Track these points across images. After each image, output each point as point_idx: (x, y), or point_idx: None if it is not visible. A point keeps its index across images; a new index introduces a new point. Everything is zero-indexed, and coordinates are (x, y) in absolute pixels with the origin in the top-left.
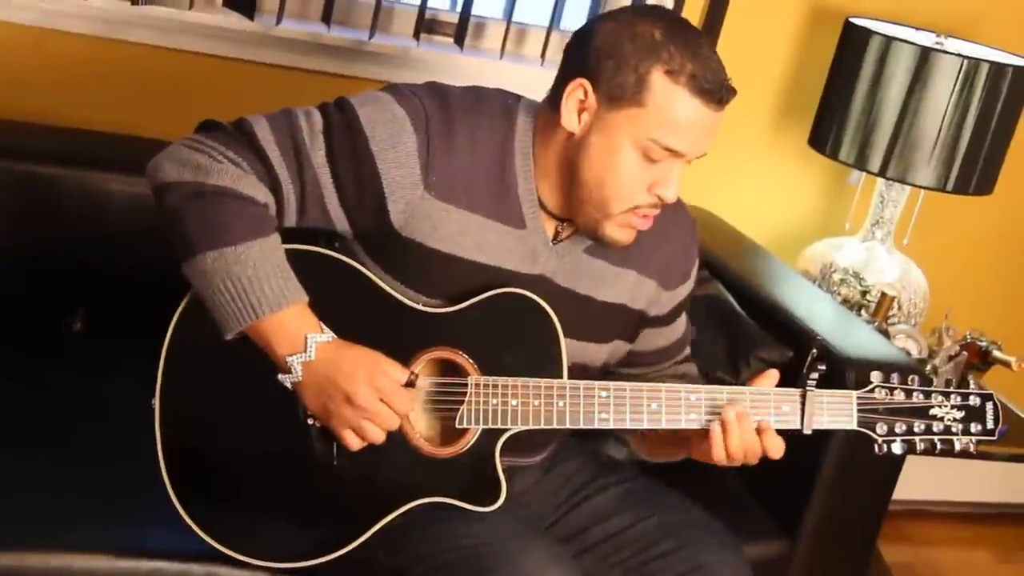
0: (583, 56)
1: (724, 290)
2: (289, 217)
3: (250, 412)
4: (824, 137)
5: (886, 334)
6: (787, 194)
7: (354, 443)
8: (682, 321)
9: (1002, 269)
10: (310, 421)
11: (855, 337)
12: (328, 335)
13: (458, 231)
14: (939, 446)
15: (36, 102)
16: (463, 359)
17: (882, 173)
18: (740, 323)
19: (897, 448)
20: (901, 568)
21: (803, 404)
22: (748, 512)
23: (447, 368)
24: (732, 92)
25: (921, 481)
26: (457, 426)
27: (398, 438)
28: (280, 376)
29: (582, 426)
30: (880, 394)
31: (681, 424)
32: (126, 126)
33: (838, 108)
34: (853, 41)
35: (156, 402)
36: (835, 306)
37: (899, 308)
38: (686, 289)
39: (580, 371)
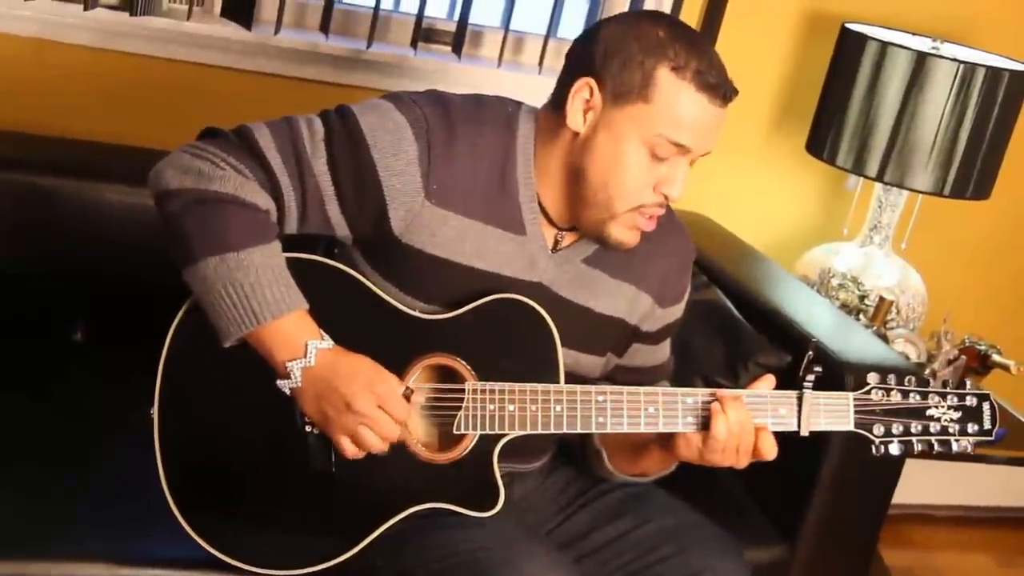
0: (588, 56)
1: (722, 295)
2: (290, 224)
3: (248, 420)
4: (821, 142)
5: (885, 339)
6: (785, 199)
7: (352, 450)
8: (666, 347)
9: (1000, 273)
10: (308, 428)
11: (854, 342)
12: (328, 342)
13: (457, 237)
14: (936, 447)
15: (35, 113)
16: (460, 365)
17: (879, 178)
18: (738, 328)
19: (894, 449)
20: (902, 572)
21: (799, 406)
22: (748, 516)
23: (444, 374)
24: (735, 90)
25: (921, 485)
26: (455, 432)
27: (396, 445)
28: (279, 382)
29: (579, 430)
30: (877, 395)
31: (678, 427)
32: (125, 136)
33: (835, 113)
34: (850, 46)
35: (155, 411)
36: (833, 311)
37: (898, 312)
38: (677, 311)
39: (575, 382)
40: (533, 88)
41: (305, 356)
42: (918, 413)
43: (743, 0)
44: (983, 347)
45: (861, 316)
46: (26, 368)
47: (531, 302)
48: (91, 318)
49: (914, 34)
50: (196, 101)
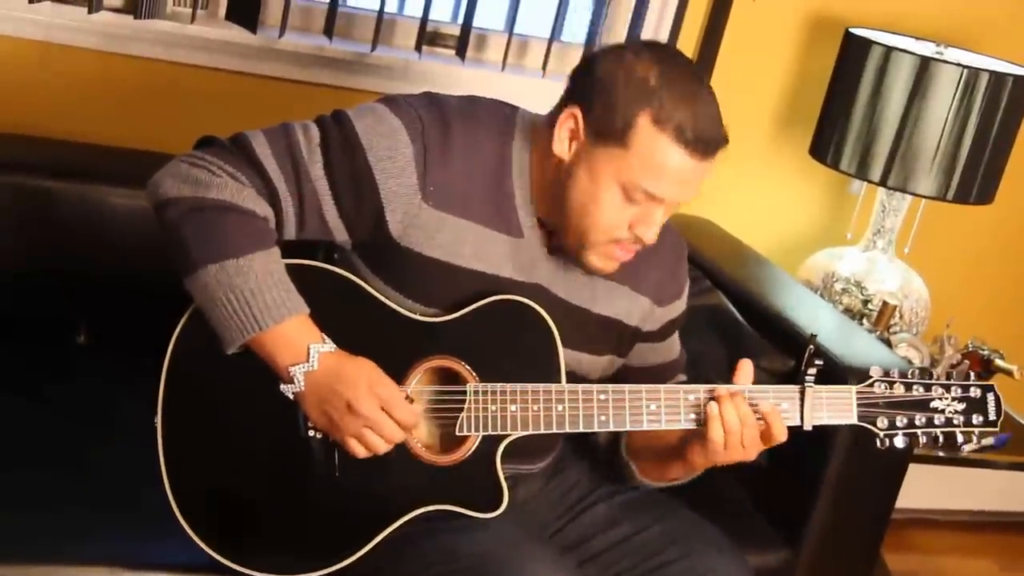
0: (582, 85)
1: (726, 299)
2: (288, 230)
3: (251, 425)
4: (825, 147)
5: (888, 343)
6: (788, 204)
7: (358, 451)
8: (675, 342)
9: (1003, 278)
10: (311, 433)
11: (857, 346)
12: (330, 345)
13: (455, 240)
14: (941, 439)
15: (39, 116)
16: (461, 367)
17: (883, 183)
18: (742, 332)
19: (899, 442)
20: None
21: (802, 400)
22: (751, 521)
23: (446, 376)
24: (723, 142)
25: (925, 489)
26: (457, 433)
27: (399, 447)
28: (282, 386)
29: (582, 429)
30: (880, 388)
31: (681, 424)
32: (129, 139)
33: (839, 118)
34: (853, 51)
35: (158, 420)
36: (837, 315)
37: (901, 317)
38: (679, 307)
39: (575, 383)
40: (537, 92)
41: (307, 360)
42: (922, 405)
43: (747, 5)
44: (986, 352)
45: (864, 321)
46: (29, 371)
47: (531, 303)
48: (94, 321)
49: (918, 39)
50: (200, 104)
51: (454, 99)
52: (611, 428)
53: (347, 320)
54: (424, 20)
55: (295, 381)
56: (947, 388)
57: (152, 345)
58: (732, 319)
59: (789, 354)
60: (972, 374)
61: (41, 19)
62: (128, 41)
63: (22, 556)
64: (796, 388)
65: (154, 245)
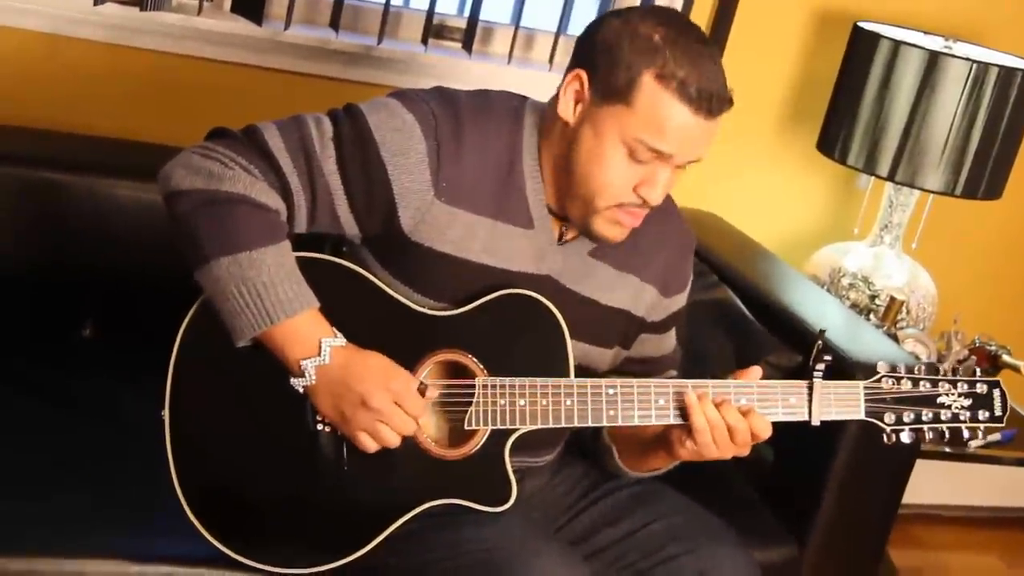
0: (586, 48)
1: (732, 294)
2: (300, 224)
3: (260, 419)
4: (833, 141)
5: (895, 338)
6: (796, 198)
7: (369, 445)
8: (672, 337)
9: (1011, 273)
10: (320, 426)
11: (864, 341)
12: (341, 339)
13: (466, 235)
14: (947, 434)
15: (45, 108)
16: (470, 361)
17: (891, 177)
18: (749, 327)
19: (906, 437)
20: (910, 572)
21: (810, 395)
22: (757, 516)
23: (455, 370)
24: (726, 103)
25: (930, 485)
26: (466, 427)
27: (408, 441)
28: (293, 380)
29: (590, 424)
30: (887, 383)
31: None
32: (135, 132)
33: (847, 112)
34: (861, 45)
35: (166, 413)
36: (844, 310)
37: (908, 312)
38: (681, 300)
39: (583, 375)
40: (543, 85)
41: (319, 354)
42: (929, 401)
43: None
44: (993, 348)
45: (871, 316)
46: (35, 365)
47: (539, 296)
48: (101, 314)
49: (927, 33)
50: (206, 96)
51: (465, 94)
52: (620, 423)
53: (356, 314)
54: (430, 13)
55: (306, 375)
56: (954, 384)
57: (158, 339)
58: (739, 314)
59: (797, 349)
60: (979, 370)
61: (47, 11)
62: (133, 33)
63: (30, 548)
64: (804, 383)
65: (161, 239)
